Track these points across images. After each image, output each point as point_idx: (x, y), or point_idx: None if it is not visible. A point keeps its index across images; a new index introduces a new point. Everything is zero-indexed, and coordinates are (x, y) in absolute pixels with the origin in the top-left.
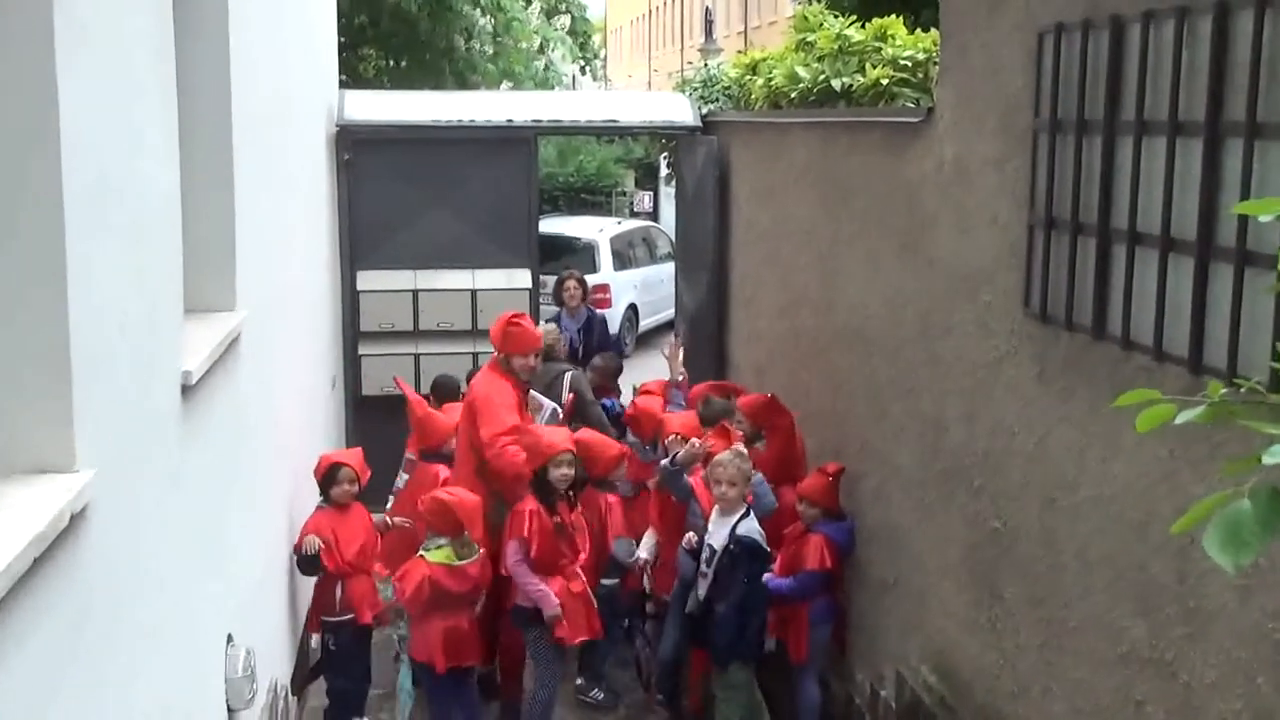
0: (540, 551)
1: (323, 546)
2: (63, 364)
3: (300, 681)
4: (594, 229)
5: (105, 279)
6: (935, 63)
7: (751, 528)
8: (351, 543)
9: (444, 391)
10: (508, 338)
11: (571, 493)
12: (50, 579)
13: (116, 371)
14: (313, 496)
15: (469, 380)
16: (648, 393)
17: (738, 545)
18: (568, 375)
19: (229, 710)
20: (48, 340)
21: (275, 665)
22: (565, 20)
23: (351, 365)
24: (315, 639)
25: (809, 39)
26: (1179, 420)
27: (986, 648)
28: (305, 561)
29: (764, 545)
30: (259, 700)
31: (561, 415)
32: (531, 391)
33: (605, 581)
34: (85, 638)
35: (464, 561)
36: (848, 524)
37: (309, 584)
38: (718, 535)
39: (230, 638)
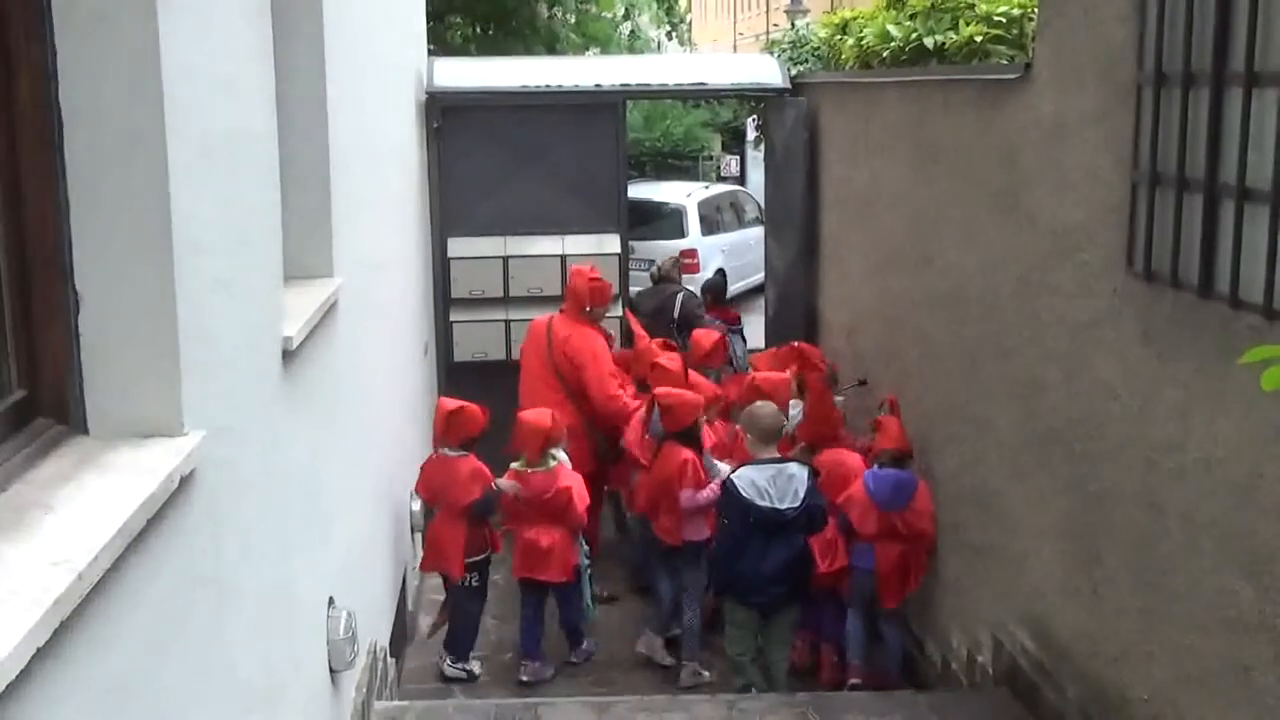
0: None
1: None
2: (170, 328)
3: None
4: (681, 194)
5: (209, 243)
6: (1030, 18)
7: (742, 472)
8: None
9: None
10: (594, 293)
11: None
12: (161, 540)
13: (221, 336)
14: (408, 461)
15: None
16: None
17: (723, 486)
18: (679, 295)
19: (331, 671)
20: (155, 304)
21: (375, 627)
22: None
23: (443, 332)
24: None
25: None
26: None
27: (1086, 612)
28: (490, 504)
29: (739, 492)
30: (359, 662)
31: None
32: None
33: None
34: (193, 598)
35: (531, 470)
36: (891, 474)
37: (404, 545)
38: None
39: (332, 600)
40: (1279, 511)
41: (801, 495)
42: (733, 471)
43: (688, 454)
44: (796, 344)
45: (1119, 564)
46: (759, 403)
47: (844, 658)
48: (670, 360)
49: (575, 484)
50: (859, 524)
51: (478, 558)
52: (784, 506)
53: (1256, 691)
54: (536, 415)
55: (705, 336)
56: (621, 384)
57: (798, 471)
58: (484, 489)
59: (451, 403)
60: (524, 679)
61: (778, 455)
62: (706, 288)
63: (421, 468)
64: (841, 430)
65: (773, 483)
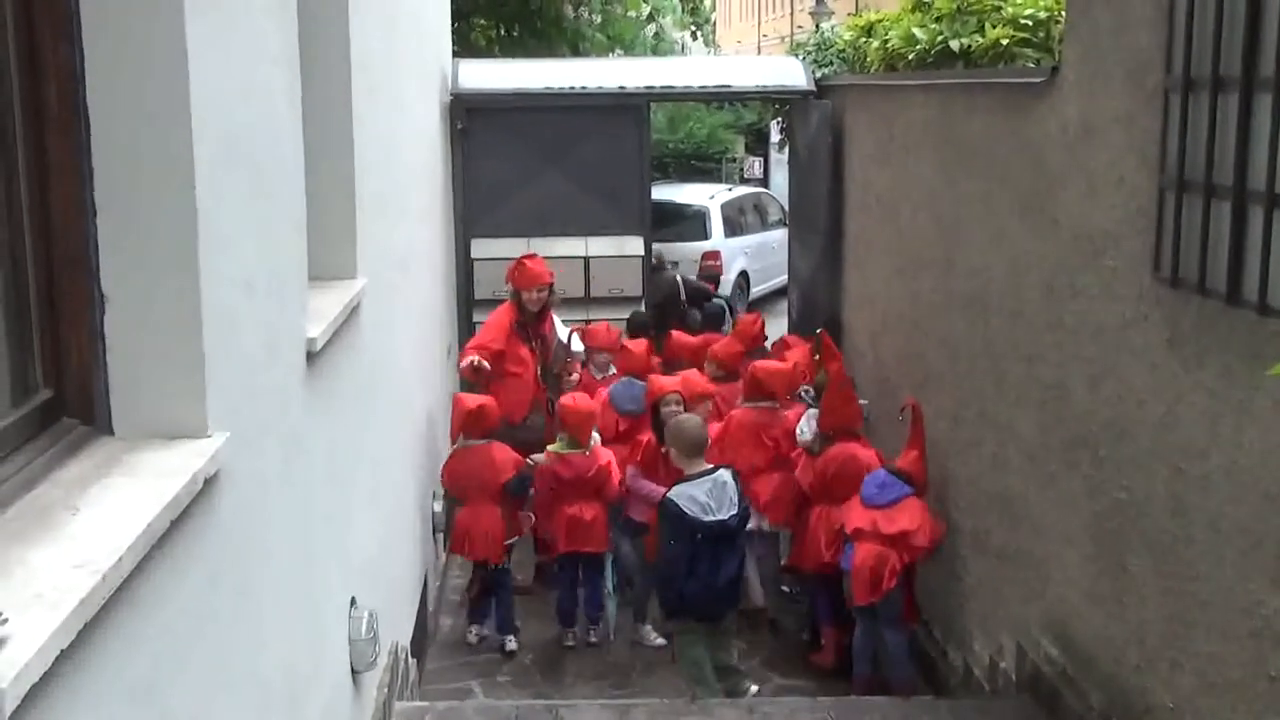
0: (646, 474)
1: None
2: (195, 329)
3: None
4: (704, 196)
5: (234, 245)
6: (1057, 21)
7: (679, 491)
8: None
9: (636, 327)
10: (518, 275)
11: None
12: (185, 542)
13: (246, 337)
14: (430, 462)
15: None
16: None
17: (662, 507)
18: (677, 276)
19: (353, 672)
20: (180, 306)
21: (396, 628)
22: None
23: (466, 333)
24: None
25: None
26: None
27: (1111, 619)
28: (525, 482)
29: (683, 511)
30: (380, 662)
31: (568, 344)
32: (554, 316)
33: None
34: (218, 599)
35: (571, 452)
36: (881, 473)
37: (427, 546)
38: None
39: (354, 601)
40: None
41: (736, 501)
42: (668, 490)
43: (646, 436)
44: (785, 337)
45: (1144, 571)
46: (683, 415)
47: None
48: (635, 344)
49: (612, 460)
50: (847, 518)
51: (511, 540)
52: (725, 517)
53: None
54: (583, 401)
55: (752, 321)
56: (477, 347)
57: (728, 478)
58: (516, 468)
59: (472, 399)
60: (569, 644)
61: (707, 466)
62: (704, 266)
63: (446, 463)
64: (861, 424)
65: (710, 495)
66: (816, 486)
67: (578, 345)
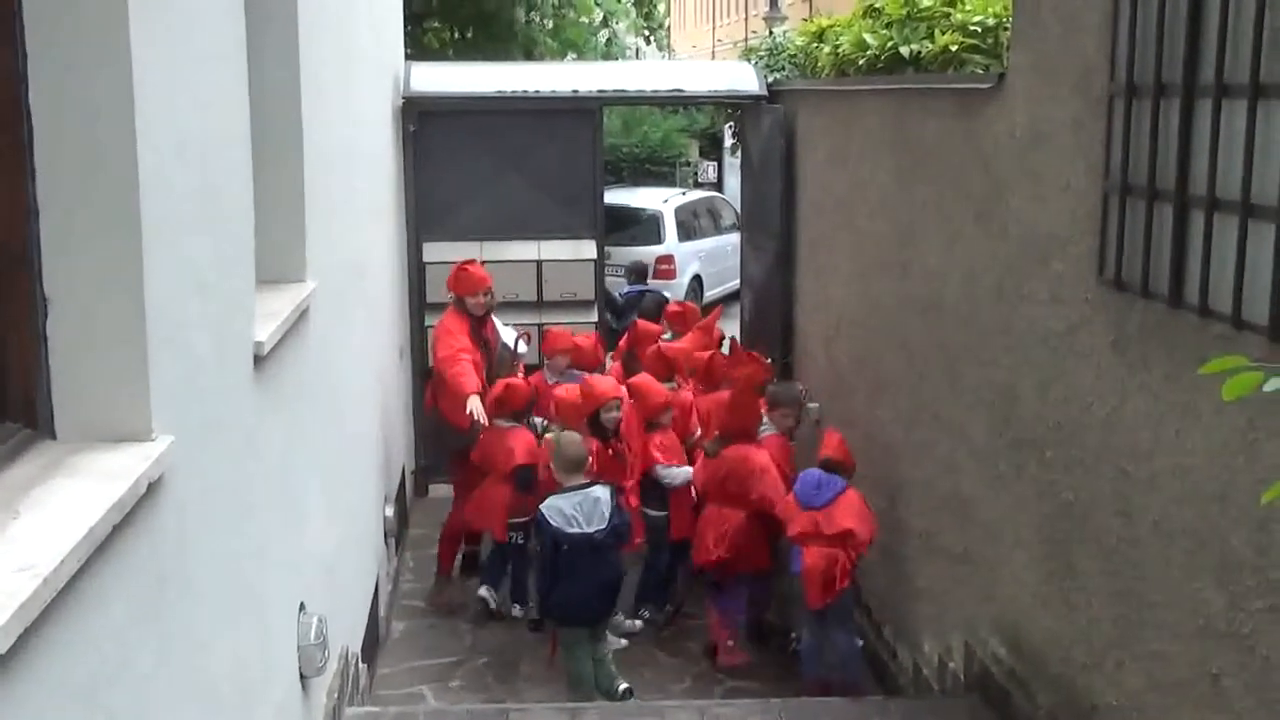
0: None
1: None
2: (139, 333)
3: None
4: (658, 200)
5: (180, 248)
6: (1006, 28)
7: (549, 502)
8: None
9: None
10: (459, 281)
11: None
12: (129, 546)
13: (192, 341)
14: (382, 466)
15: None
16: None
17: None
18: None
19: (301, 677)
20: (124, 309)
21: (346, 634)
22: None
23: (418, 336)
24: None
25: (876, 5)
26: (1267, 388)
27: (1059, 620)
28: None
29: (546, 523)
30: (330, 667)
31: (513, 347)
32: (495, 320)
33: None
34: (163, 604)
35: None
36: (815, 473)
37: (379, 551)
38: None
39: (302, 606)
40: (1248, 520)
41: (607, 516)
42: (542, 502)
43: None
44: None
45: (1092, 572)
46: (565, 433)
47: (735, 640)
48: (584, 339)
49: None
50: (786, 525)
51: (522, 520)
52: (592, 530)
53: (1225, 698)
54: (573, 393)
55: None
56: (461, 352)
57: (602, 494)
58: (529, 457)
59: (500, 381)
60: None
61: (584, 481)
62: (630, 269)
63: (478, 438)
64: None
65: (579, 508)
66: (710, 485)
67: (523, 347)
